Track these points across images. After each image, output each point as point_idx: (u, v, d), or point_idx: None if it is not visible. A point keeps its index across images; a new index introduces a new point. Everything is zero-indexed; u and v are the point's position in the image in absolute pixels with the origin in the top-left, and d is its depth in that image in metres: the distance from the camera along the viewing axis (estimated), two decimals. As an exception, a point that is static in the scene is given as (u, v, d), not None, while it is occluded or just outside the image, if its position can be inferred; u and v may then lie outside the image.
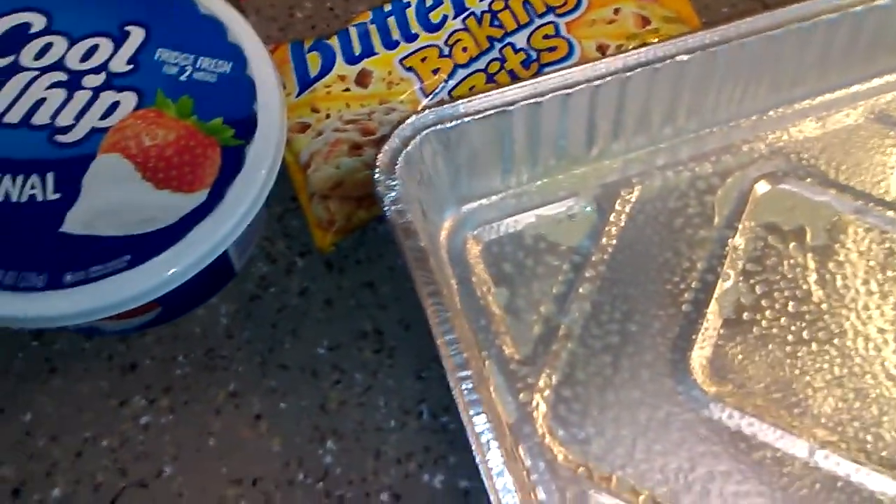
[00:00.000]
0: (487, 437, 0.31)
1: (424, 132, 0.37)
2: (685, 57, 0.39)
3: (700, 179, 0.43)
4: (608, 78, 0.38)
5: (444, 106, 0.38)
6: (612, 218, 0.42)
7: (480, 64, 0.42)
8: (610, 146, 0.42)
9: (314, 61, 0.42)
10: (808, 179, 0.42)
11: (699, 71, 0.40)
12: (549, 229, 0.42)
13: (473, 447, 0.30)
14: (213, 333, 0.40)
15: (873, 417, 0.37)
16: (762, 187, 0.42)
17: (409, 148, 0.37)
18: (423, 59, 0.42)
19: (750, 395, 0.37)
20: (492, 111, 0.38)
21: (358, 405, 0.38)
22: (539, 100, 0.38)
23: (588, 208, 0.42)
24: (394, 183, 0.36)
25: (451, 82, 0.42)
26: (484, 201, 0.42)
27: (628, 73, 0.38)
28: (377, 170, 0.36)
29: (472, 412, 0.31)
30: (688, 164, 0.43)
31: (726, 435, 0.36)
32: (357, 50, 0.42)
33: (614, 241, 0.41)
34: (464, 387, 0.31)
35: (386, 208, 0.35)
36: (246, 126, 0.35)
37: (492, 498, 0.29)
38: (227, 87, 0.36)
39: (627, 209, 0.42)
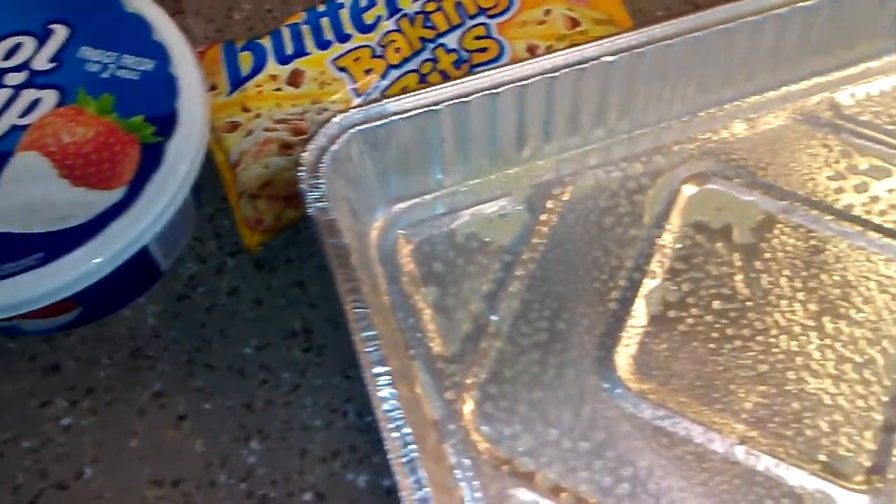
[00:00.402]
0: (402, 434, 0.31)
1: (351, 131, 0.37)
2: (611, 58, 0.39)
3: (631, 179, 0.43)
4: (535, 78, 0.39)
5: (372, 105, 0.38)
6: (543, 217, 0.42)
7: (413, 64, 0.42)
8: (542, 147, 0.43)
9: (246, 61, 0.42)
10: (737, 179, 0.43)
11: (626, 72, 0.40)
12: (480, 228, 0.42)
13: (386, 444, 0.30)
14: (139, 333, 0.39)
15: (794, 413, 0.37)
16: (691, 187, 0.43)
17: (335, 146, 0.37)
18: (356, 60, 0.42)
19: (673, 391, 0.37)
20: (419, 110, 0.38)
21: (284, 404, 0.38)
22: (466, 100, 0.38)
23: (520, 208, 0.42)
24: (318, 181, 0.36)
25: (385, 82, 0.42)
26: (416, 200, 0.42)
27: (555, 74, 0.39)
28: (301, 168, 0.36)
29: (385, 408, 0.31)
30: (619, 165, 0.43)
31: (649, 431, 0.37)
32: (289, 50, 0.42)
33: (545, 240, 0.41)
34: (379, 383, 0.31)
35: (309, 206, 0.35)
36: (166, 123, 0.35)
37: (402, 494, 0.29)
38: (150, 85, 0.36)
39: (559, 208, 0.42)
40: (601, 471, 0.36)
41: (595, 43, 0.40)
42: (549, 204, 0.42)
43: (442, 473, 0.34)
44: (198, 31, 0.46)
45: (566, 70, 0.39)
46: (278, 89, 0.41)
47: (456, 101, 0.38)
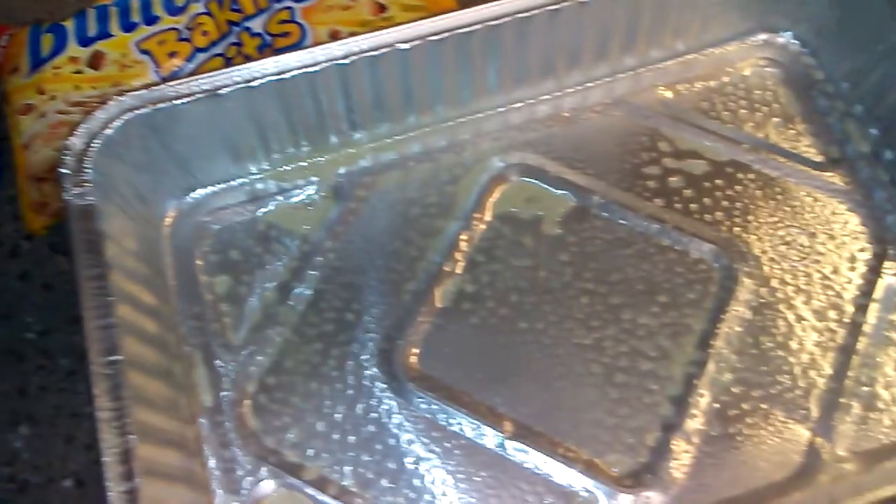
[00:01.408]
0: (122, 424, 0.30)
1: (128, 115, 0.37)
2: (405, 45, 0.39)
3: (443, 170, 0.42)
4: (325, 65, 0.38)
5: (151, 89, 0.37)
6: (349, 206, 0.41)
7: (220, 48, 0.41)
8: (351, 135, 0.42)
9: (47, 42, 0.41)
10: (551, 171, 0.42)
11: (424, 60, 0.39)
12: (282, 217, 0.41)
13: (101, 434, 0.29)
14: (-75, 317, 0.39)
15: (576, 408, 0.36)
16: (504, 178, 0.42)
17: (109, 131, 0.36)
18: (161, 43, 0.41)
19: (454, 385, 0.37)
20: (201, 95, 0.37)
21: (58, 390, 0.37)
22: (252, 84, 0.38)
23: (326, 196, 0.41)
24: (85, 166, 0.35)
25: (191, 66, 0.41)
26: (219, 188, 0.41)
27: (345, 61, 0.38)
28: (66, 152, 0.35)
29: (105, 399, 0.30)
30: (432, 154, 0.43)
31: (421, 424, 0.36)
32: (92, 31, 0.41)
33: (348, 230, 0.41)
34: (106, 372, 0.31)
35: (65, 191, 0.34)
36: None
37: (108, 485, 0.29)
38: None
39: (366, 198, 0.41)
40: (366, 464, 0.35)
41: (393, 29, 0.39)
42: (357, 193, 0.42)
43: (190, 465, 0.34)
44: (26, 12, 0.45)
45: (359, 56, 0.38)
46: (78, 72, 0.40)
47: (241, 85, 0.37)
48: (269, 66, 0.38)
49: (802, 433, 0.36)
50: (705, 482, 0.35)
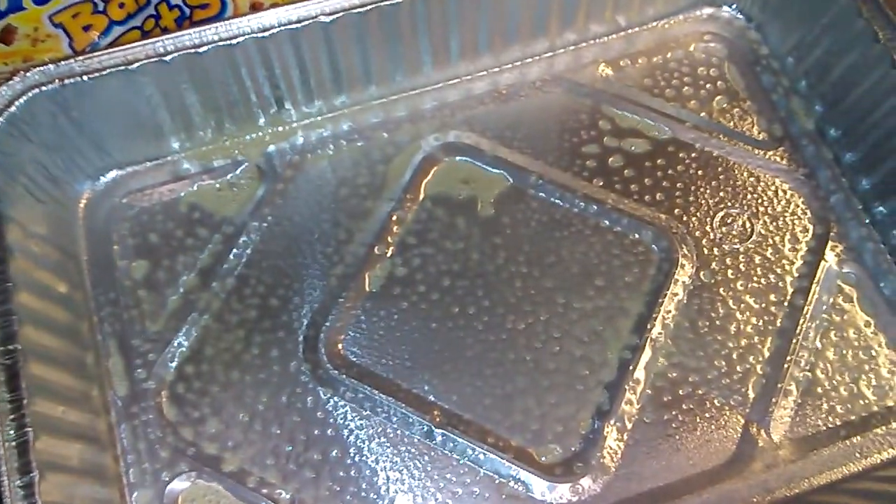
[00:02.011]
0: (21, 414, 0.28)
1: (34, 92, 0.35)
2: (327, 18, 0.37)
3: (375, 149, 0.41)
4: (243, 38, 0.36)
5: (58, 64, 0.35)
6: (276, 187, 0.39)
7: (137, 21, 0.39)
8: (278, 112, 0.40)
9: (-46, 15, 0.39)
10: (487, 151, 0.40)
11: (349, 33, 0.37)
12: (205, 198, 0.39)
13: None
14: None
15: (506, 395, 0.35)
16: (438, 158, 0.40)
17: (12, 109, 0.34)
18: (75, 16, 0.39)
19: (381, 371, 0.35)
20: (112, 70, 0.35)
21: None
22: (165, 59, 0.36)
23: (251, 177, 0.39)
24: (-16, 144, 0.34)
25: (107, 39, 0.39)
26: (139, 167, 0.39)
27: (266, 34, 0.36)
28: (-34, 130, 0.33)
29: (1, 390, 0.29)
30: (364, 133, 0.41)
31: (346, 413, 0.35)
32: (3, 5, 0.39)
33: (274, 212, 0.39)
34: (3, 361, 0.29)
35: (-40, 171, 0.33)
36: None
37: (2, 480, 0.27)
38: None
39: (292, 179, 0.40)
40: (289, 455, 0.34)
41: (315, 1, 0.37)
42: (285, 173, 0.40)
43: (101, 458, 0.33)
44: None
45: (279, 29, 0.36)
46: (-13, 46, 0.39)
47: (154, 59, 0.35)
48: (184, 38, 0.36)
49: (738, 419, 0.35)
50: (637, 470, 0.34)
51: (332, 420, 0.34)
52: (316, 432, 0.34)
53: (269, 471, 0.34)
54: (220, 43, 0.36)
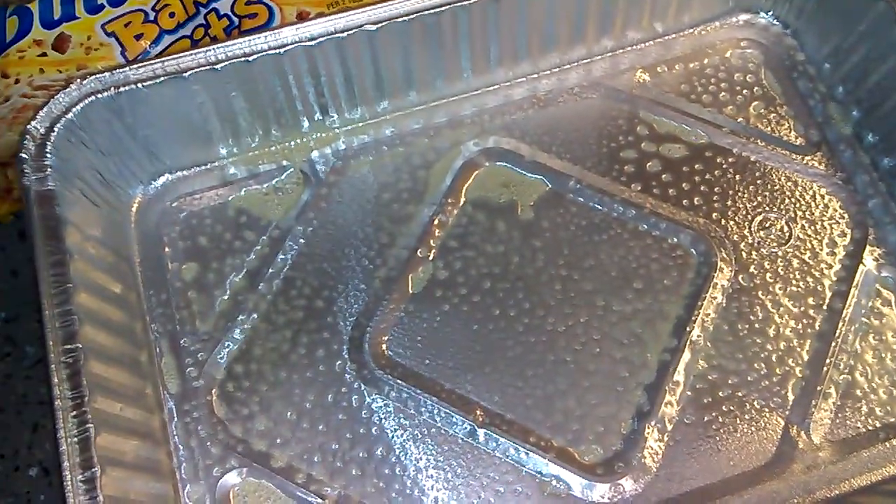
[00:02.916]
0: (80, 413, 0.29)
1: (90, 99, 0.36)
2: (373, 27, 0.38)
3: (416, 154, 0.42)
4: (291, 47, 0.37)
5: (113, 72, 0.36)
6: (321, 191, 0.40)
7: (187, 30, 0.41)
8: (323, 119, 0.41)
9: (12, 25, 0.40)
10: (526, 156, 0.41)
11: (393, 42, 0.38)
12: (252, 202, 0.40)
13: (58, 424, 0.29)
14: None
15: (547, 396, 0.36)
16: (478, 163, 0.41)
17: (70, 115, 0.36)
18: (127, 25, 0.40)
19: (424, 372, 0.36)
20: (165, 77, 0.36)
21: (24, 378, 0.37)
22: (217, 67, 0.37)
23: (296, 182, 0.41)
24: (45, 150, 0.34)
25: (158, 48, 0.40)
26: (189, 172, 0.40)
27: (313, 43, 0.37)
28: (26, 137, 0.35)
29: (64, 388, 0.30)
30: (405, 139, 0.42)
31: (391, 412, 0.35)
32: (57, 14, 0.40)
33: (318, 216, 0.40)
34: (65, 360, 0.30)
35: (24, 175, 0.34)
36: None
37: (66, 475, 0.28)
38: None
39: (336, 184, 0.41)
40: (335, 453, 0.35)
41: (361, 10, 0.38)
42: (329, 178, 0.41)
43: (155, 454, 0.33)
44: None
45: (326, 38, 0.37)
46: (43, 54, 0.40)
47: (206, 68, 0.36)
48: (234, 47, 0.37)
49: (778, 421, 0.35)
50: (678, 471, 0.34)
51: (376, 419, 0.35)
52: (361, 431, 0.35)
53: (316, 468, 0.35)
54: (269, 52, 0.37)
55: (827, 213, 0.40)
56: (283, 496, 0.34)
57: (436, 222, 0.40)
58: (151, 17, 0.40)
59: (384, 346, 0.37)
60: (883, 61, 0.39)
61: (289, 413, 0.35)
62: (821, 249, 0.39)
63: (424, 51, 0.39)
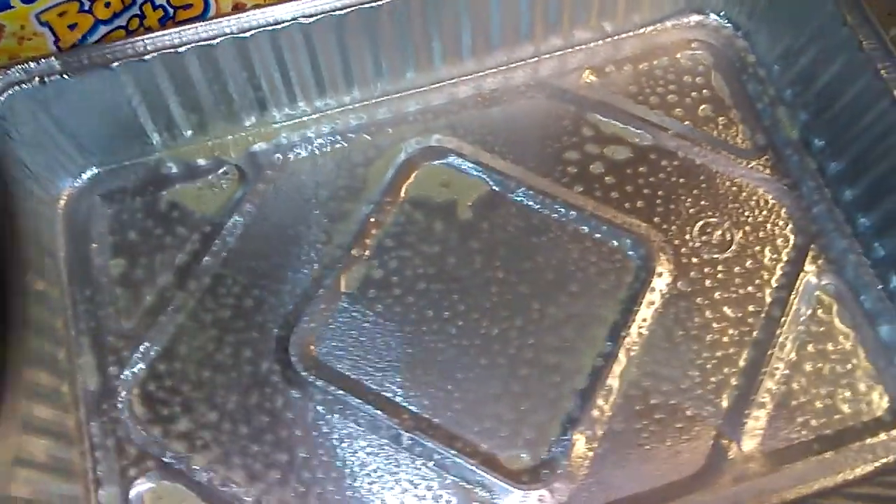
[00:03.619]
0: None
1: (14, 90, 0.35)
2: (308, 20, 0.37)
3: (356, 152, 0.41)
4: (222, 38, 0.36)
5: (39, 62, 0.35)
6: (256, 187, 0.39)
7: (122, 20, 0.39)
8: (261, 113, 0.40)
9: (-58, 13, 0.39)
10: (468, 155, 0.40)
11: (329, 35, 0.37)
12: (186, 198, 0.39)
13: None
14: None
15: (477, 400, 0.35)
16: (419, 162, 0.40)
17: (-7, 105, 0.35)
18: (62, 14, 0.39)
19: (351, 375, 0.35)
20: (92, 68, 0.36)
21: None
22: (145, 58, 0.36)
23: (232, 177, 0.40)
24: (-35, 141, 0.34)
25: (92, 38, 0.39)
26: (118, 166, 0.39)
27: (246, 35, 0.36)
28: (-56, 127, 0.34)
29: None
30: (346, 135, 0.41)
31: (315, 415, 0.34)
32: (-9, 3, 0.40)
33: (252, 213, 0.39)
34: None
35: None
36: None
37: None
38: None
39: (273, 180, 0.40)
40: (255, 456, 0.34)
41: (295, 2, 0.37)
42: (265, 174, 0.40)
43: (68, 455, 0.33)
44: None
45: (259, 30, 0.36)
46: (-26, 44, 0.39)
47: (134, 59, 0.36)
48: (164, 38, 0.36)
49: (710, 431, 0.34)
50: (604, 479, 0.33)
51: (300, 422, 0.34)
52: (284, 433, 0.34)
53: (235, 471, 0.34)
54: (201, 43, 0.36)
55: (770, 218, 0.39)
56: (200, 500, 0.33)
57: (373, 221, 0.39)
58: (87, 7, 0.39)
59: (312, 347, 0.36)
60: (831, 63, 0.38)
61: (211, 414, 0.35)
62: (763, 256, 0.38)
63: (363, 46, 0.38)
